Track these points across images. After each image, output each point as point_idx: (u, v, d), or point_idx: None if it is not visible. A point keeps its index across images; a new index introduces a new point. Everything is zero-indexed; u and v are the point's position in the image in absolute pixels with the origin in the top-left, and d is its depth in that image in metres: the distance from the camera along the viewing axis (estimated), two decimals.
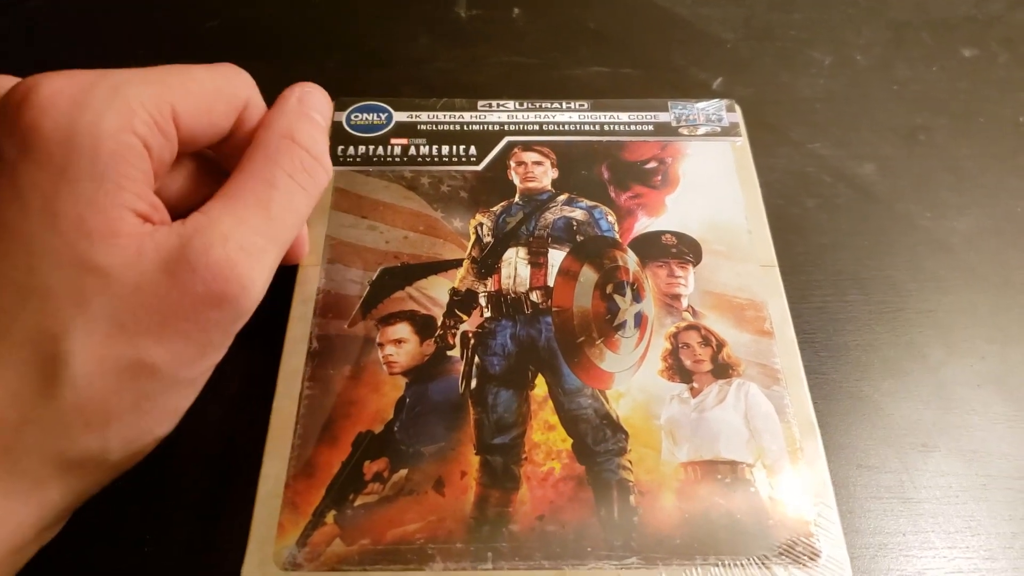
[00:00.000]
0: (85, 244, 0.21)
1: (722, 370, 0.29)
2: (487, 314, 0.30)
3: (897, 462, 0.29)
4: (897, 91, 0.41)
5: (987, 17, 0.45)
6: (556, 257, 0.32)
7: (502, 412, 0.28)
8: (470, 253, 0.32)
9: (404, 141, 0.35)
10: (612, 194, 0.34)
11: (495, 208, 0.33)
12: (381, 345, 0.29)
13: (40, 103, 0.21)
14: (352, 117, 0.36)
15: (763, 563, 0.25)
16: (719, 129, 0.36)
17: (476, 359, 0.29)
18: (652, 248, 0.32)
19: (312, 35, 0.43)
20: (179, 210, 0.25)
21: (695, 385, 0.28)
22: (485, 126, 0.36)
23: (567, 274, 0.31)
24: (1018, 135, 0.39)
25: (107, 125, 0.22)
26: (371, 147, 0.35)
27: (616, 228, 0.33)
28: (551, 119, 0.36)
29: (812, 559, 0.25)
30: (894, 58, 0.43)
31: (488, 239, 0.32)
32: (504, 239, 0.32)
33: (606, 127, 0.36)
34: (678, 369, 0.29)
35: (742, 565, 0.25)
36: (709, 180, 0.34)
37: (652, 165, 0.35)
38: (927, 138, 0.39)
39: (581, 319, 0.30)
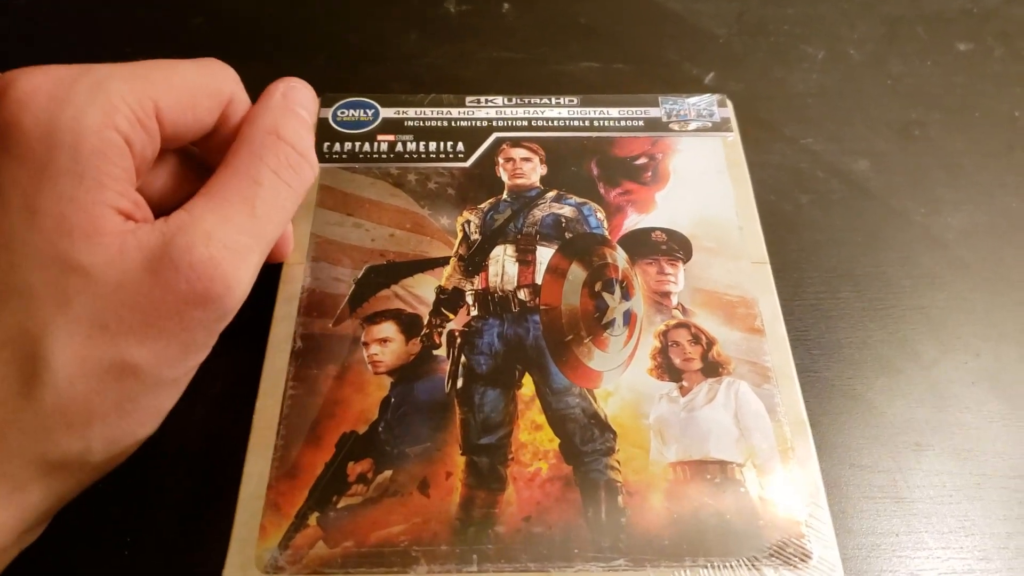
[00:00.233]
0: (66, 242, 0.21)
1: (712, 368, 0.28)
2: (474, 313, 0.30)
3: (890, 461, 0.28)
4: (891, 86, 0.41)
5: (983, 11, 0.44)
6: (544, 255, 0.31)
7: (488, 412, 0.27)
8: (457, 251, 0.32)
9: (391, 137, 0.35)
10: (601, 190, 0.33)
11: (483, 205, 0.33)
12: (366, 344, 0.29)
13: (20, 98, 0.21)
14: (338, 113, 0.36)
15: (753, 564, 0.24)
16: (710, 124, 0.36)
17: (462, 358, 0.29)
18: (642, 245, 0.32)
19: (300, 31, 0.43)
20: (162, 207, 0.24)
21: (685, 384, 0.28)
22: (473, 122, 0.36)
23: (555, 272, 0.31)
24: (1014, 130, 0.39)
25: (88, 121, 0.21)
26: (357, 144, 0.35)
27: (605, 225, 0.32)
28: (540, 115, 0.36)
29: (803, 560, 0.24)
30: (888, 53, 0.42)
31: (475, 236, 0.32)
32: (492, 236, 0.32)
33: (596, 123, 0.36)
34: (667, 368, 0.28)
35: (732, 567, 0.24)
36: (700, 176, 0.34)
37: (642, 161, 0.34)
38: (922, 133, 0.39)
39: (569, 317, 0.30)
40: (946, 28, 0.44)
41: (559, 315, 0.30)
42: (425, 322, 0.30)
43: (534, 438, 0.27)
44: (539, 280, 0.31)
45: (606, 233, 0.32)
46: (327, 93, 0.36)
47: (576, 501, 0.25)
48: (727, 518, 0.25)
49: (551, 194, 0.33)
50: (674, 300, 0.30)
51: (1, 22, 0.42)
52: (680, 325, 0.30)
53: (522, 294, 0.30)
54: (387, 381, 0.28)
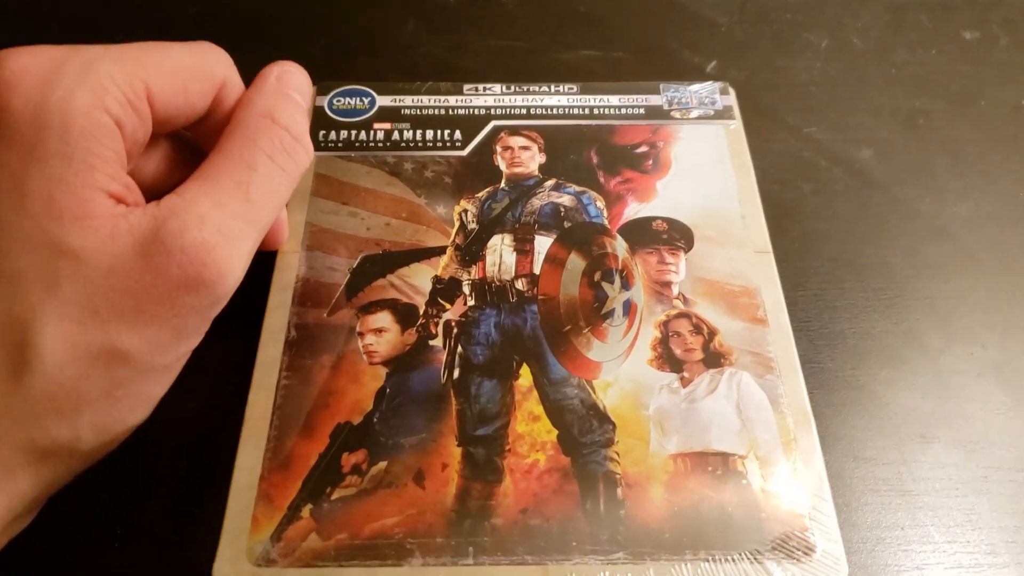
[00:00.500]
0: (56, 226, 0.20)
1: (714, 359, 0.28)
2: (471, 303, 0.29)
3: (895, 453, 0.28)
4: (895, 75, 0.40)
5: None
6: (543, 244, 0.31)
7: (485, 403, 0.27)
8: (454, 240, 0.31)
9: (387, 126, 0.34)
10: (601, 179, 0.33)
11: (480, 194, 0.32)
12: (361, 334, 0.28)
13: (7, 79, 0.21)
14: (334, 101, 0.35)
15: (755, 558, 0.24)
16: (712, 112, 0.35)
17: (459, 349, 0.28)
18: (642, 234, 0.31)
19: (295, 20, 0.42)
20: (155, 192, 0.24)
21: (686, 375, 0.27)
22: (471, 110, 0.35)
23: (554, 261, 0.30)
24: (1019, 119, 0.38)
25: (78, 103, 0.21)
26: (353, 132, 0.34)
27: (605, 214, 0.32)
28: (539, 103, 0.35)
29: (807, 554, 0.24)
30: (892, 41, 0.42)
31: (473, 226, 0.31)
32: (489, 226, 0.31)
33: (595, 111, 0.35)
34: (668, 358, 0.28)
35: (734, 560, 0.24)
36: (702, 164, 0.33)
37: (643, 149, 0.34)
38: (926, 122, 0.38)
39: (568, 307, 0.29)
40: (951, 16, 0.43)
41: (557, 305, 0.29)
42: (421, 312, 0.29)
43: (531, 429, 0.26)
44: (537, 270, 0.30)
45: (606, 222, 0.32)
46: (323, 81, 0.35)
47: (574, 493, 0.25)
48: (729, 511, 0.25)
49: (550, 183, 0.33)
50: (675, 290, 0.30)
51: None
52: (681, 315, 0.29)
53: (520, 284, 0.30)
54: (382, 371, 0.27)
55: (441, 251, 0.31)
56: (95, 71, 0.22)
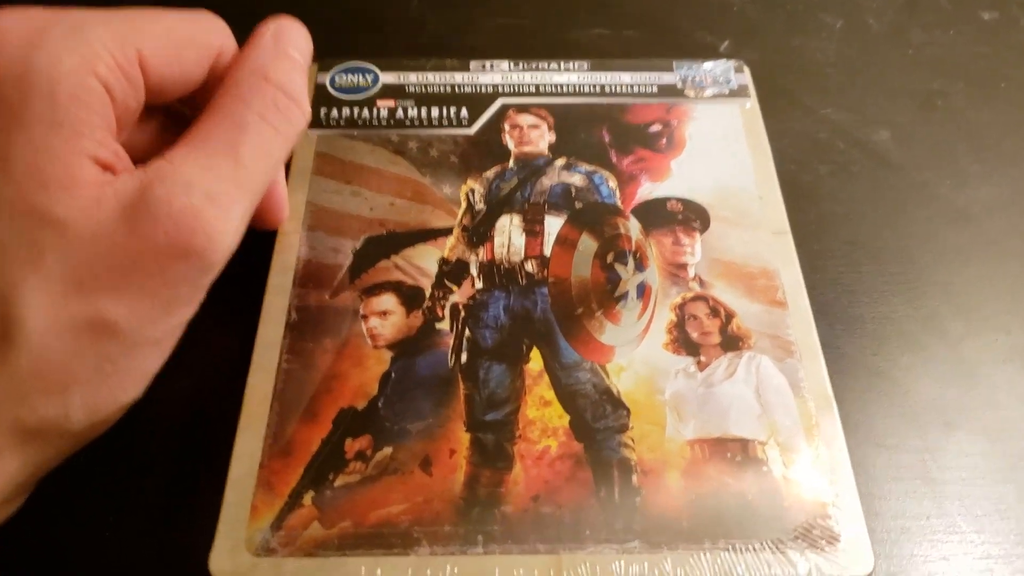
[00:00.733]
0: (40, 194, 0.19)
1: (731, 342, 0.27)
2: (479, 285, 0.28)
3: (918, 441, 0.27)
4: (912, 56, 0.39)
5: None
6: (553, 225, 0.30)
7: (494, 387, 0.26)
8: (461, 221, 0.30)
9: (391, 103, 0.33)
10: (613, 158, 0.32)
11: (488, 173, 0.31)
12: (365, 317, 0.27)
13: None
14: (336, 78, 0.34)
15: (778, 547, 0.23)
16: (727, 91, 0.34)
17: (467, 332, 0.27)
18: (656, 215, 0.30)
19: None
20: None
21: (702, 358, 0.26)
22: (478, 88, 0.34)
23: (565, 243, 0.29)
24: None
25: (65, 66, 0.20)
26: (356, 109, 0.33)
27: (617, 194, 0.31)
28: (548, 80, 0.34)
29: (830, 543, 0.23)
30: (909, 22, 0.41)
31: (480, 206, 0.30)
32: (497, 206, 0.30)
33: (607, 88, 0.34)
34: (684, 342, 0.27)
35: (755, 550, 0.23)
36: (717, 144, 0.32)
37: (656, 128, 0.33)
38: (945, 104, 0.37)
39: (580, 290, 0.28)
40: None
41: (569, 287, 0.28)
42: (427, 294, 0.28)
43: (543, 414, 0.25)
44: (548, 251, 0.29)
45: (618, 203, 0.30)
46: (325, 58, 0.34)
47: (587, 480, 0.24)
48: (749, 498, 0.24)
49: (560, 162, 0.32)
50: (691, 272, 0.29)
51: None
52: (697, 298, 0.28)
53: (529, 266, 0.29)
54: (387, 355, 0.26)
55: (447, 232, 0.30)
56: (84, 34, 0.21)
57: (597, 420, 0.25)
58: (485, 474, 0.24)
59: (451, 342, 0.27)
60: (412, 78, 0.34)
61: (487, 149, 0.32)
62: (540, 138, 0.32)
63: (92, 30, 0.21)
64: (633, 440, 0.25)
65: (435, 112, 0.33)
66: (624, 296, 0.28)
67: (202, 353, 0.26)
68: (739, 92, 0.34)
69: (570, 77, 0.34)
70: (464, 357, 0.27)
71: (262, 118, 0.23)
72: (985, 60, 0.39)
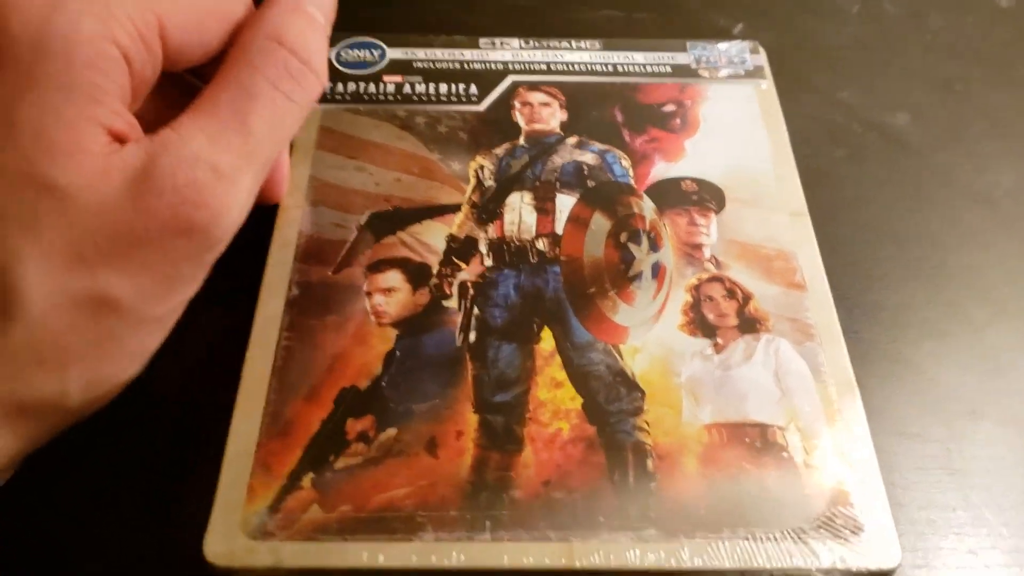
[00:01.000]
0: (45, 160, 0.18)
1: (749, 325, 0.26)
2: (488, 263, 0.27)
3: (942, 430, 0.26)
4: (930, 40, 0.38)
5: None
6: (565, 203, 0.29)
7: (504, 367, 0.25)
8: (470, 198, 0.29)
9: (398, 79, 0.32)
10: (626, 137, 0.31)
11: (498, 150, 0.30)
12: (369, 294, 0.26)
13: (10, 3, 0.19)
14: (342, 53, 0.33)
15: (799, 537, 0.22)
16: (743, 72, 0.33)
17: (476, 310, 0.26)
18: (670, 195, 0.29)
19: None
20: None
21: (719, 341, 0.25)
22: (487, 64, 0.33)
23: (577, 221, 0.28)
24: None
25: (84, 30, 0.19)
26: (362, 84, 0.32)
27: (631, 173, 0.30)
28: (560, 59, 0.33)
29: (854, 533, 0.22)
30: (926, 7, 0.40)
31: (490, 183, 0.29)
32: (507, 183, 0.29)
33: (619, 68, 0.33)
34: (700, 323, 0.26)
35: (775, 539, 0.22)
36: (732, 124, 0.31)
37: (670, 108, 0.32)
38: (963, 88, 0.36)
39: (592, 269, 0.27)
40: None
41: (581, 267, 0.27)
42: (434, 272, 0.27)
43: (554, 396, 0.24)
44: (559, 230, 0.28)
45: (632, 182, 0.30)
46: (331, 32, 0.33)
47: (601, 464, 0.23)
48: (769, 485, 0.23)
49: (572, 140, 0.31)
50: (706, 252, 0.28)
51: None
52: (713, 279, 0.27)
53: (541, 244, 0.28)
54: (392, 333, 0.25)
55: (456, 208, 0.29)
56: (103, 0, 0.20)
57: (611, 402, 0.24)
58: (494, 457, 0.23)
59: (459, 320, 0.26)
60: (420, 54, 0.33)
61: (497, 126, 0.31)
62: (551, 116, 0.31)
63: None
64: (648, 423, 0.24)
65: (443, 88, 0.32)
66: (638, 276, 0.27)
67: (199, 329, 0.25)
68: (755, 73, 0.33)
69: (582, 56, 0.33)
70: (472, 336, 0.25)
71: (274, 85, 0.21)
72: (1003, 45, 0.38)
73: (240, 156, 0.21)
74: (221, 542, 0.21)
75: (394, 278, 0.27)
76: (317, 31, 0.23)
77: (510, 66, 0.33)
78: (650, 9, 0.39)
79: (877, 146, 0.34)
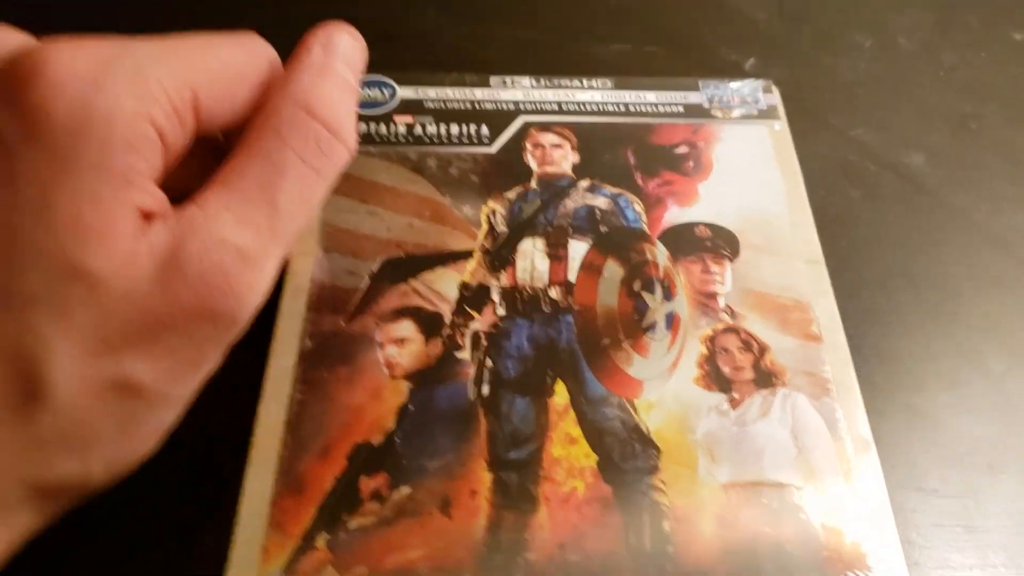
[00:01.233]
0: (77, 245, 0.18)
1: (765, 379, 0.26)
2: (501, 312, 0.27)
3: (960, 485, 0.26)
4: (944, 77, 0.38)
5: None
6: (578, 250, 0.29)
7: (518, 423, 0.25)
8: (482, 243, 0.29)
9: (409, 119, 0.32)
10: (639, 181, 0.31)
11: (509, 194, 0.30)
12: (382, 345, 0.26)
13: (53, 81, 0.18)
14: None
15: None
16: (756, 112, 0.33)
17: (488, 362, 0.26)
18: (684, 241, 0.29)
19: (309, 4, 0.40)
20: (181, 190, 0.22)
21: (735, 395, 0.25)
22: (499, 104, 0.33)
23: (590, 268, 0.28)
24: None
25: (123, 111, 0.19)
26: (372, 125, 0.32)
27: (643, 218, 0.30)
28: (571, 98, 0.33)
29: None
30: (940, 42, 0.40)
31: (502, 228, 0.29)
32: (519, 229, 0.29)
33: (631, 108, 0.33)
34: (716, 377, 0.26)
35: None
36: (746, 167, 0.31)
37: (683, 150, 0.32)
38: (979, 127, 0.36)
39: (606, 319, 0.27)
40: (1000, 17, 0.41)
41: (595, 316, 0.27)
42: (447, 321, 0.27)
43: (568, 453, 0.24)
44: (572, 277, 0.28)
45: (644, 227, 0.29)
46: None
47: (617, 526, 0.23)
48: (787, 548, 0.22)
49: (584, 183, 0.30)
50: (721, 302, 0.27)
51: None
52: (729, 330, 0.27)
53: (553, 292, 0.28)
54: (405, 386, 0.25)
55: (468, 255, 0.28)
56: (145, 75, 0.19)
57: (626, 460, 0.24)
58: (508, 517, 0.23)
59: (472, 373, 0.26)
60: (431, 93, 0.33)
61: (509, 169, 0.31)
62: (563, 158, 0.31)
63: (152, 71, 0.19)
64: (664, 483, 0.23)
65: (455, 129, 0.32)
66: (652, 326, 0.27)
67: (211, 382, 0.25)
68: (768, 113, 0.33)
69: (593, 95, 0.33)
70: (486, 389, 0.25)
71: (302, 159, 0.21)
72: (1018, 82, 0.38)
73: (266, 236, 0.20)
74: None
75: (407, 328, 0.27)
76: (347, 93, 0.23)
77: (521, 106, 0.33)
78: (661, 43, 0.39)
79: (892, 186, 0.33)
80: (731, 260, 0.29)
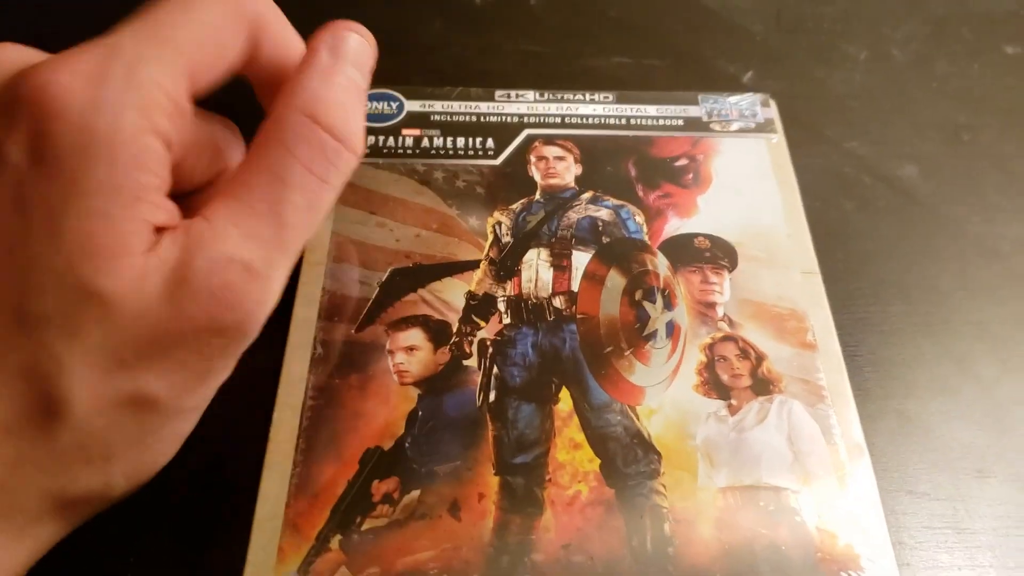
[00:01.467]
0: (88, 266, 0.19)
1: (762, 386, 0.27)
2: (506, 320, 0.28)
3: (951, 489, 0.26)
4: (937, 88, 0.39)
5: None
6: (581, 260, 0.29)
7: (523, 428, 0.26)
8: (488, 254, 0.30)
9: (416, 132, 0.33)
10: (640, 193, 0.32)
11: (514, 206, 0.31)
12: (391, 352, 0.27)
13: (52, 103, 0.19)
14: None
15: None
16: (753, 125, 0.34)
17: (495, 370, 0.27)
18: (684, 252, 0.30)
19: (317, 18, 0.40)
20: (185, 186, 0.22)
21: (733, 402, 0.26)
22: (503, 118, 0.34)
23: (593, 278, 0.29)
24: None
25: (126, 127, 0.19)
26: (381, 138, 0.33)
27: (645, 229, 0.31)
28: (574, 111, 0.34)
29: None
30: (933, 54, 0.40)
31: (507, 239, 0.30)
32: (524, 239, 0.30)
33: (632, 121, 0.34)
34: (715, 384, 0.27)
35: None
36: (744, 180, 0.32)
37: (683, 162, 0.33)
38: (971, 138, 0.37)
39: (608, 328, 0.28)
40: (993, 29, 0.42)
41: (597, 325, 0.28)
42: (454, 330, 0.28)
43: (573, 458, 0.25)
44: (575, 287, 0.29)
45: (646, 238, 0.30)
46: None
47: (619, 528, 0.23)
48: (782, 550, 0.23)
49: (587, 195, 0.31)
50: (720, 311, 0.28)
51: None
52: (727, 338, 0.28)
53: (557, 302, 0.28)
54: (414, 393, 0.26)
55: (474, 265, 0.29)
56: (139, 80, 0.19)
57: (628, 465, 0.25)
58: (515, 520, 0.24)
59: (479, 380, 0.27)
60: (437, 106, 0.34)
61: (513, 181, 0.32)
62: (566, 170, 0.32)
63: (146, 72, 0.20)
64: (665, 487, 0.24)
65: (460, 142, 0.33)
66: (653, 335, 0.28)
67: (226, 388, 0.25)
68: (765, 126, 0.34)
69: (595, 108, 0.34)
70: (492, 396, 0.26)
71: (308, 169, 0.21)
72: (1010, 93, 0.39)
73: (273, 249, 0.21)
74: None
75: (416, 336, 0.28)
76: (354, 96, 0.22)
77: (525, 119, 0.34)
78: (661, 56, 0.39)
79: (886, 198, 0.34)
80: (729, 271, 0.29)
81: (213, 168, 0.24)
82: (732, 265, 0.30)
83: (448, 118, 0.34)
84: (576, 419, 0.26)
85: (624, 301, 0.29)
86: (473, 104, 0.34)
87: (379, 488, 0.24)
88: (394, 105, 0.34)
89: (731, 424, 0.26)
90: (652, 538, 0.23)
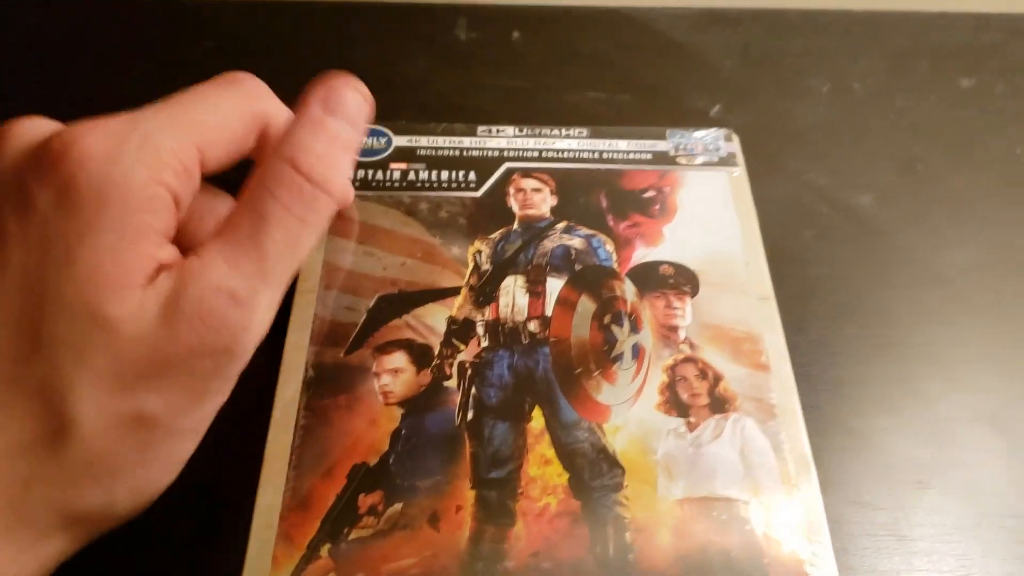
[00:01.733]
0: (97, 294, 0.21)
1: (719, 404, 0.29)
2: (484, 344, 0.30)
3: (892, 499, 0.29)
4: (895, 120, 0.41)
5: (985, 47, 0.45)
6: (554, 286, 0.32)
7: (498, 445, 0.28)
8: (468, 281, 0.32)
9: (403, 166, 0.35)
10: (611, 223, 0.34)
11: (494, 235, 0.33)
12: (377, 375, 0.29)
13: (78, 158, 0.22)
14: None
15: None
16: (716, 159, 0.36)
17: (473, 390, 0.29)
18: (650, 278, 0.32)
19: (307, 56, 0.43)
20: (189, 245, 0.25)
21: (692, 419, 0.28)
22: (485, 152, 0.36)
23: (565, 304, 0.31)
24: (1016, 166, 0.40)
25: (138, 178, 0.22)
26: (370, 171, 0.35)
27: (614, 257, 0.33)
28: (551, 146, 0.36)
29: None
30: (892, 87, 0.43)
31: (486, 267, 0.32)
32: (502, 267, 0.32)
33: (605, 155, 0.36)
34: (675, 403, 0.29)
35: None
36: (706, 210, 0.34)
37: (650, 194, 0.35)
38: (924, 169, 0.39)
39: (579, 350, 0.30)
40: (949, 63, 0.44)
41: (569, 347, 0.30)
42: (436, 353, 0.30)
43: (543, 472, 0.27)
44: (549, 312, 0.31)
45: (615, 266, 0.33)
46: None
47: (584, 537, 0.26)
48: (733, 555, 0.25)
49: (561, 225, 0.34)
50: (682, 334, 0.31)
51: (9, 41, 0.43)
52: (687, 360, 0.30)
53: (532, 326, 0.31)
54: (398, 412, 0.28)
55: (456, 292, 0.32)
56: (153, 145, 0.23)
57: (594, 479, 0.27)
58: (489, 531, 0.26)
59: (458, 400, 0.29)
60: (423, 141, 0.36)
61: (493, 212, 0.34)
62: (543, 201, 0.35)
63: (160, 140, 0.23)
64: (627, 499, 0.27)
65: (444, 175, 0.35)
66: (620, 357, 0.30)
67: (225, 409, 0.28)
68: (727, 160, 0.36)
69: (571, 143, 0.37)
70: (470, 415, 0.28)
71: (287, 209, 0.24)
72: (962, 125, 0.41)
73: (256, 279, 0.23)
74: None
75: (400, 359, 0.30)
76: (338, 148, 0.25)
77: (505, 153, 0.36)
78: (632, 91, 0.42)
79: (843, 227, 0.37)
80: (691, 296, 0.32)
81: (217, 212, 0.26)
82: (694, 291, 0.32)
83: (433, 152, 0.36)
84: (547, 436, 0.28)
85: (594, 325, 0.31)
86: (457, 139, 0.36)
87: (365, 501, 0.26)
88: (383, 140, 0.36)
89: (689, 440, 0.28)
90: (614, 546, 0.25)
